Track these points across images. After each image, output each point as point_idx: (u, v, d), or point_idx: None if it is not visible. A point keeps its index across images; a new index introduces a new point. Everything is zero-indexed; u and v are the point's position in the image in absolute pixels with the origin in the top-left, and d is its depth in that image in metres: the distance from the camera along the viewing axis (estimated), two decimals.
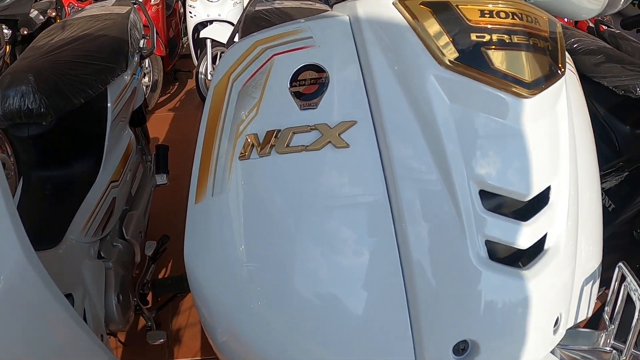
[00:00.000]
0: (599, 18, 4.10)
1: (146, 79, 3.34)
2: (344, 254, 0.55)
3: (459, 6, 0.60)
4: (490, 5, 0.60)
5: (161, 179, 1.67)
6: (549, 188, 0.60)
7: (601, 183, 1.55)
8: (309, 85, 0.60)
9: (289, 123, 0.59)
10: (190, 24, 3.48)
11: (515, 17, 0.60)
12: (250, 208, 0.59)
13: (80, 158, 1.33)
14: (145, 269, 1.52)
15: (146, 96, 3.29)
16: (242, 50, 0.64)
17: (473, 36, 0.59)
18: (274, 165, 0.58)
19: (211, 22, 3.41)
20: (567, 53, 1.58)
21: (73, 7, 3.03)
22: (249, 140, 0.59)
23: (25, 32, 2.63)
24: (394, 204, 0.56)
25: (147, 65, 3.31)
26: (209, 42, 3.32)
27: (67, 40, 1.37)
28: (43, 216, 1.25)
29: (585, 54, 2.13)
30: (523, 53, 0.58)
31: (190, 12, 3.47)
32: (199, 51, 3.56)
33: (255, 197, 0.59)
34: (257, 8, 1.70)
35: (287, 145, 0.58)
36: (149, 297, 1.58)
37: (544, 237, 0.59)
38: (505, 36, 0.59)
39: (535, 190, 0.58)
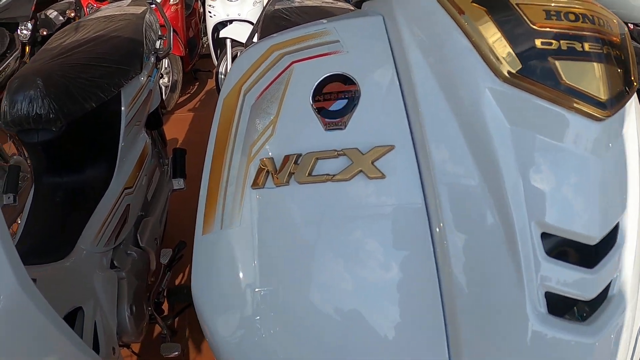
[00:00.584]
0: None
1: (165, 80, 3.32)
2: (372, 303, 0.47)
3: (520, 5, 0.50)
4: (557, 5, 0.50)
5: (178, 184, 1.62)
6: (617, 226, 0.50)
7: None
8: (336, 99, 0.50)
9: (311, 146, 0.50)
10: (210, 23, 3.45)
11: (586, 20, 0.50)
12: (265, 245, 0.49)
13: (93, 164, 1.28)
14: (160, 277, 1.47)
15: (165, 97, 3.27)
16: (256, 57, 0.54)
17: (538, 43, 0.49)
18: (293, 197, 0.49)
19: (231, 21, 3.37)
20: None
21: (92, 8, 3.02)
22: (264, 165, 0.50)
23: (45, 33, 2.62)
24: (440, 254, 0.46)
25: (166, 66, 3.29)
26: (228, 42, 3.28)
27: (80, 42, 1.33)
28: (54, 226, 1.21)
29: None
30: (597, 65, 0.49)
31: (209, 12, 3.43)
32: (218, 51, 3.53)
33: (270, 233, 0.50)
34: (277, 7, 1.63)
35: (310, 174, 0.49)
36: (165, 306, 1.53)
37: (609, 283, 0.50)
38: (577, 43, 0.49)
39: (605, 231, 0.48)
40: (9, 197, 1.36)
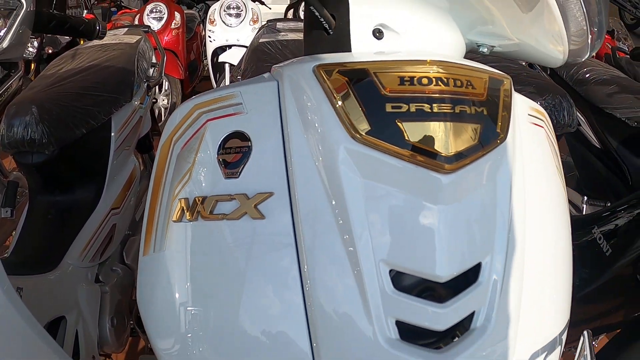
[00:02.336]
0: (619, 45, 4.02)
1: (165, 102, 3.44)
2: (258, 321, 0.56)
3: (378, 74, 0.58)
4: (413, 71, 0.58)
5: None
6: (479, 266, 0.56)
7: (613, 220, 1.52)
8: (234, 153, 0.60)
9: (214, 191, 0.60)
10: (210, 48, 3.59)
11: (440, 83, 0.57)
12: (182, 268, 0.60)
13: (83, 185, 1.38)
14: None
15: (164, 118, 3.39)
16: (184, 113, 0.65)
17: (388, 107, 0.56)
18: (199, 231, 0.60)
19: (230, 46, 3.51)
20: (571, 86, 1.54)
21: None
22: (181, 204, 0.61)
23: (50, 51, 2.75)
24: (304, 284, 0.55)
25: (166, 87, 3.41)
26: (227, 67, 3.41)
27: (74, 71, 1.44)
28: (44, 240, 1.30)
29: (598, 84, 2.10)
30: (445, 124, 0.55)
31: (209, 37, 3.58)
32: (217, 75, 3.66)
33: (185, 258, 0.60)
34: (261, 40, 1.75)
35: (211, 213, 0.59)
36: None
37: (472, 316, 0.55)
38: (426, 105, 0.56)
39: (455, 271, 0.54)
40: (6, 211, 1.46)
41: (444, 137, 0.55)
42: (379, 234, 0.55)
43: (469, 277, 0.56)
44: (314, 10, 0.64)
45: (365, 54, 0.63)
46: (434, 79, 0.57)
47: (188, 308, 0.59)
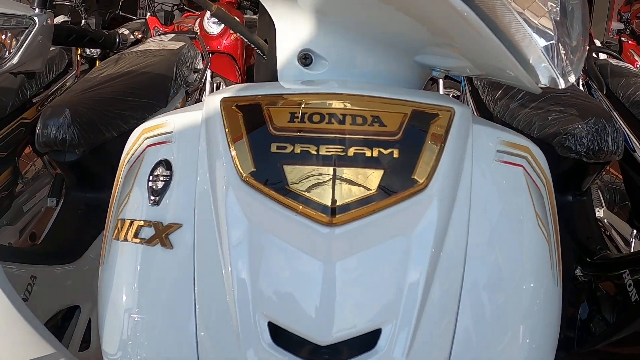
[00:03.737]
0: None
1: None
2: None
3: (270, 109, 0.54)
4: (307, 107, 0.52)
5: None
6: (379, 332, 0.50)
7: None
8: (159, 181, 0.61)
9: (140, 215, 0.61)
10: None
11: (333, 120, 0.51)
12: (118, 283, 0.62)
13: (111, 184, 1.45)
14: None
15: None
16: (135, 136, 0.67)
17: (274, 147, 0.52)
18: (126, 250, 0.61)
19: None
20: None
21: (158, 30, 3.31)
22: (119, 224, 0.63)
23: (115, 51, 2.92)
24: (197, 322, 0.54)
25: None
26: None
27: (112, 76, 1.53)
28: (71, 233, 1.40)
29: None
30: (331, 169, 0.50)
31: None
32: None
33: (119, 274, 0.62)
34: None
35: (134, 236, 0.60)
36: None
37: None
38: (312, 147, 0.50)
39: (341, 336, 0.49)
40: (52, 201, 1.61)
41: (329, 184, 0.50)
42: (261, 283, 0.52)
43: (366, 343, 0.50)
44: (241, 36, 0.63)
45: (271, 84, 0.59)
46: (327, 116, 0.52)
47: (120, 318, 0.60)
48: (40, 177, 2.15)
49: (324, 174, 0.50)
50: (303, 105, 0.54)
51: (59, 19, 3.86)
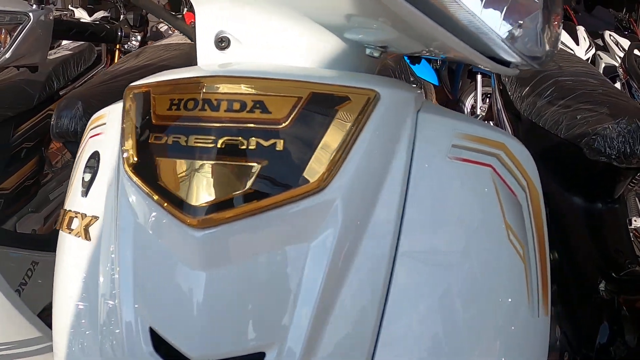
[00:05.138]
0: None
1: None
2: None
3: (156, 97, 0.48)
4: (187, 92, 0.46)
5: None
6: (261, 355, 0.44)
7: None
8: (88, 173, 0.59)
9: (72, 206, 0.59)
10: None
11: (207, 106, 0.44)
12: (57, 272, 0.62)
13: None
14: None
15: None
16: (87, 128, 0.66)
17: (152, 138, 0.47)
18: (61, 240, 0.61)
19: None
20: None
21: (193, 24, 3.36)
22: (61, 214, 0.62)
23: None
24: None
25: None
26: None
27: (130, 69, 1.53)
28: None
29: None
30: (200, 162, 0.43)
31: None
32: None
33: (56, 264, 0.62)
34: None
35: (65, 226, 0.59)
36: None
37: None
38: (182, 138, 0.44)
39: (215, 356, 0.44)
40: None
41: (197, 180, 0.43)
42: (143, 286, 0.47)
43: None
44: (165, 22, 0.59)
45: (177, 71, 0.53)
46: (200, 102, 0.45)
47: (57, 308, 0.59)
48: (68, 167, 2.22)
49: (193, 169, 0.44)
50: (180, 92, 0.47)
51: (100, 14, 3.98)
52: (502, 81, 1.70)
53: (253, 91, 0.45)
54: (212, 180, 0.43)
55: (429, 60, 4.18)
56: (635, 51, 2.17)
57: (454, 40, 0.45)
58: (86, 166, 0.60)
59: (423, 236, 0.49)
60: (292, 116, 0.44)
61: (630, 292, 1.09)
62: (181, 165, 0.45)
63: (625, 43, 4.13)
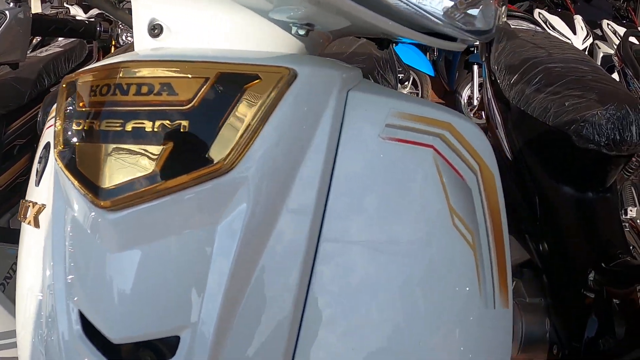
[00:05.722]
0: None
1: None
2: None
3: (79, 84, 0.48)
4: (104, 78, 0.46)
5: None
6: (177, 339, 0.44)
7: None
8: (41, 163, 0.60)
9: (29, 196, 0.61)
10: None
11: (117, 91, 0.44)
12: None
13: None
14: None
15: None
16: (48, 116, 0.67)
17: (74, 124, 0.47)
18: (22, 229, 0.62)
19: None
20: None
21: None
22: (21, 203, 0.62)
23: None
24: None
25: None
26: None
27: None
28: None
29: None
30: (107, 145, 0.44)
31: None
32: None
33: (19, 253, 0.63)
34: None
35: (23, 216, 0.60)
36: None
37: None
38: (95, 123, 0.45)
39: (133, 337, 0.44)
40: None
41: (108, 164, 0.43)
42: (73, 270, 0.47)
43: (166, 350, 0.44)
44: (105, 11, 0.59)
45: (123, 55, 0.53)
46: (112, 87, 0.45)
47: (19, 297, 0.60)
48: None
49: (102, 153, 0.44)
50: (100, 78, 0.47)
51: (95, 11, 3.97)
52: (492, 70, 1.68)
53: (162, 74, 0.44)
54: (121, 163, 0.44)
55: (424, 51, 4.16)
56: (632, 39, 2.14)
57: (379, 18, 0.43)
58: (40, 157, 0.61)
59: (351, 219, 0.47)
60: (197, 97, 0.43)
61: (620, 283, 1.07)
62: (94, 149, 0.45)
63: (623, 31, 4.09)
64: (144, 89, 0.44)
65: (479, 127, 0.53)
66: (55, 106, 0.60)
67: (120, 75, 0.45)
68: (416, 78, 3.66)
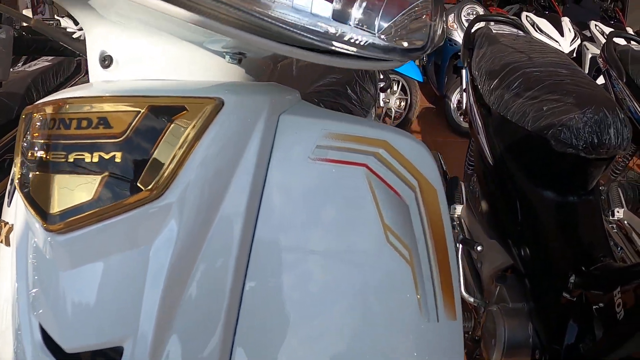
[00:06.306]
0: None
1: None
2: None
3: (34, 116, 0.52)
4: (52, 112, 0.50)
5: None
6: (122, 348, 0.47)
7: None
8: (13, 185, 0.62)
9: (3, 215, 0.64)
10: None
11: (61, 125, 0.48)
12: None
13: None
14: None
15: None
16: None
17: (29, 154, 0.51)
18: None
19: None
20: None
21: None
22: None
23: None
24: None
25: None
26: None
27: None
28: None
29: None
30: (54, 175, 0.48)
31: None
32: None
33: None
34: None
35: None
36: None
37: None
38: (43, 154, 0.49)
39: (84, 347, 0.48)
40: None
41: (55, 191, 0.48)
42: (34, 283, 0.51)
43: (116, 357, 0.48)
44: (63, 43, 0.61)
45: (75, 88, 0.56)
46: (57, 121, 0.49)
47: None
48: None
49: (50, 181, 0.48)
50: (49, 112, 0.51)
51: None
52: (474, 75, 1.69)
53: (99, 109, 0.48)
54: (65, 191, 0.48)
55: None
56: (618, 39, 2.14)
57: (294, 52, 0.47)
58: (11, 179, 0.63)
59: (279, 236, 0.49)
60: (129, 129, 0.47)
61: (599, 287, 1.07)
62: (44, 178, 0.49)
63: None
64: (84, 123, 0.48)
65: (421, 143, 0.54)
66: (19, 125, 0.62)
67: (65, 110, 0.49)
68: (405, 84, 3.68)
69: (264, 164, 0.49)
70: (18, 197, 0.57)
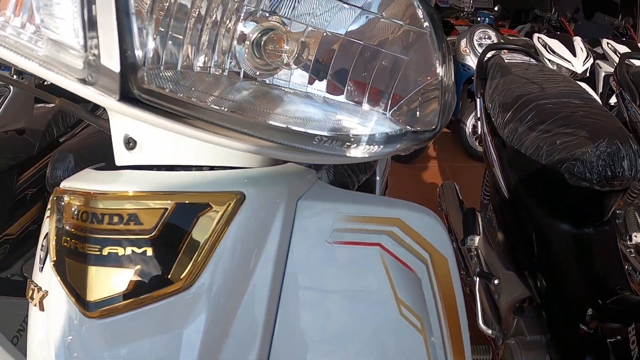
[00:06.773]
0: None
1: None
2: None
3: (65, 203, 0.54)
4: (83, 205, 0.53)
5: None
6: None
7: None
8: (43, 251, 0.64)
9: (35, 278, 0.65)
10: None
11: (94, 220, 0.51)
12: None
13: None
14: None
15: None
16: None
17: (63, 241, 0.53)
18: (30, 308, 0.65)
19: None
20: None
21: None
22: (27, 283, 0.66)
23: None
24: None
25: None
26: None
27: None
28: None
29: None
30: (90, 267, 0.51)
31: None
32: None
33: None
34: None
35: (30, 296, 0.64)
36: None
37: None
38: (79, 245, 0.51)
39: None
40: None
41: (91, 281, 0.51)
42: (74, 357, 0.53)
43: None
44: (90, 122, 0.63)
45: (104, 175, 0.58)
46: (90, 215, 0.52)
47: None
48: None
49: (86, 271, 0.51)
50: (81, 203, 0.54)
51: None
52: (487, 106, 1.71)
53: (129, 206, 0.52)
54: (102, 281, 0.51)
55: None
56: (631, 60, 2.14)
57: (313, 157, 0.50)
58: (42, 244, 0.65)
59: (299, 321, 0.52)
60: (158, 226, 0.50)
61: (615, 321, 1.07)
62: (80, 267, 0.52)
63: (623, 50, 4.09)
64: (115, 219, 0.51)
65: (432, 214, 0.56)
66: (49, 204, 0.64)
67: (96, 204, 0.52)
68: None
69: (284, 250, 0.52)
70: (51, 269, 0.59)
